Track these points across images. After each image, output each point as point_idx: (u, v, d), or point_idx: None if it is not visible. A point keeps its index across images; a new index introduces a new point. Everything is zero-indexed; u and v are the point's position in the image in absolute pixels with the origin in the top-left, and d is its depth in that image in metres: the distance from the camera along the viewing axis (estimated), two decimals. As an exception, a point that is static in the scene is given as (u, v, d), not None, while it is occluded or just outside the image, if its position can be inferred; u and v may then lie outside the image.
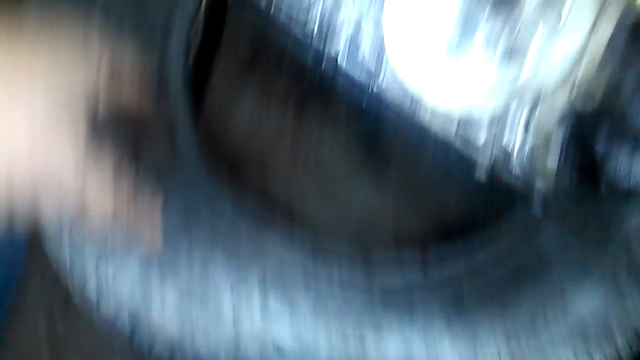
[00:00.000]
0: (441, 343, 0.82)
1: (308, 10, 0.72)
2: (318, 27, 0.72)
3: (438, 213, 1.02)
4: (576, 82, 0.68)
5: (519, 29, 0.67)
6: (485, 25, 0.68)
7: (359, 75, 0.73)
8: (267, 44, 0.86)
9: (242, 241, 0.82)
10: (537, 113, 0.70)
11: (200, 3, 0.93)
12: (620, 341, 0.79)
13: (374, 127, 0.99)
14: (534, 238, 0.91)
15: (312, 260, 0.85)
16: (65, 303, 0.88)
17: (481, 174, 0.72)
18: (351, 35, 0.72)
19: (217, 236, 0.81)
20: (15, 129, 0.39)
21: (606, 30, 0.67)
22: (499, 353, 0.79)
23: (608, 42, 0.67)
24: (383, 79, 0.73)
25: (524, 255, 0.91)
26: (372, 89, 0.74)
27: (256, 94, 1.08)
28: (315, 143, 1.08)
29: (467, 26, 0.69)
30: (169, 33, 0.90)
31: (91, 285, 0.80)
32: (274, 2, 0.71)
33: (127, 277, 0.79)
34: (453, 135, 0.72)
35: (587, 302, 0.83)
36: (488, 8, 0.68)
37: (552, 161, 0.71)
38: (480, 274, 0.90)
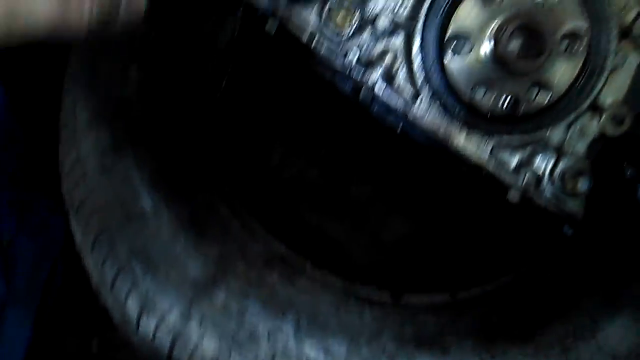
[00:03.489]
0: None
1: (347, 43, 0.76)
2: (357, 59, 0.76)
3: (468, 239, 1.03)
4: (606, 106, 0.71)
5: (547, 60, 0.70)
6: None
7: (394, 103, 0.76)
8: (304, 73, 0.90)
9: (276, 290, 0.85)
10: (567, 137, 0.72)
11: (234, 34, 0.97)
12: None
13: (407, 155, 1.02)
14: (565, 266, 0.92)
15: (344, 305, 0.87)
16: (101, 321, 0.90)
17: (514, 197, 0.74)
18: (387, 66, 0.76)
19: (251, 286, 0.84)
20: None
21: (635, 56, 0.70)
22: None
23: (637, 67, 0.70)
24: (418, 107, 0.76)
25: (554, 282, 0.91)
26: (406, 117, 0.77)
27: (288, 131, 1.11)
28: (348, 177, 1.11)
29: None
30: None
31: (131, 302, 0.83)
32: (315, 36, 0.75)
33: (167, 296, 0.81)
34: (486, 160, 0.74)
35: (618, 329, 0.83)
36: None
37: (583, 184, 0.73)
38: (508, 299, 0.91)
